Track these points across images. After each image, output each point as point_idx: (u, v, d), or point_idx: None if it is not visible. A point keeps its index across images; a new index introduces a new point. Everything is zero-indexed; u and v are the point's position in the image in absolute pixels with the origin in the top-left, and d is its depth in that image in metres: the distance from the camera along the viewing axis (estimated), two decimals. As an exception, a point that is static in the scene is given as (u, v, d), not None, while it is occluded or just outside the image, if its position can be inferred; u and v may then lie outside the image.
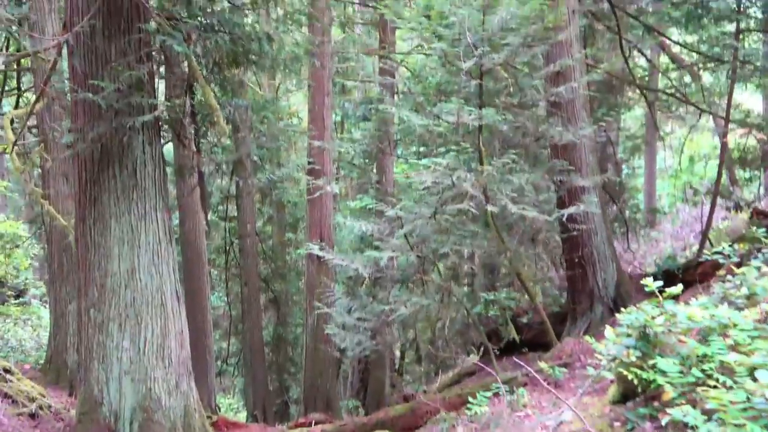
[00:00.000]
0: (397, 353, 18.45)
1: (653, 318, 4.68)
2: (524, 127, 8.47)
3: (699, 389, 3.95)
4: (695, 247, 15.54)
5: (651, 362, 4.49)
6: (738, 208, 13.05)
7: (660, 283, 5.08)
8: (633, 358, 4.56)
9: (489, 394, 6.87)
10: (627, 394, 5.25)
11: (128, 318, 5.29)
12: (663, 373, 4.39)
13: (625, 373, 4.52)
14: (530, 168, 8.90)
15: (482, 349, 12.59)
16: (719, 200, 14.83)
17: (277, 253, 20.02)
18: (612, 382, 6.25)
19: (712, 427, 3.59)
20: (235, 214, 17.86)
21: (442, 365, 14.91)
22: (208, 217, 12.85)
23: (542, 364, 7.24)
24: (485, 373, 12.62)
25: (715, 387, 3.88)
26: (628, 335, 4.78)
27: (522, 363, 11.54)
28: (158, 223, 5.50)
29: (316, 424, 11.54)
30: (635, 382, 4.49)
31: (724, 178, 18.95)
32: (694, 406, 3.88)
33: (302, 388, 14.64)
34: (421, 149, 10.22)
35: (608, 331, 4.82)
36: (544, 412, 6.21)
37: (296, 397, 19.48)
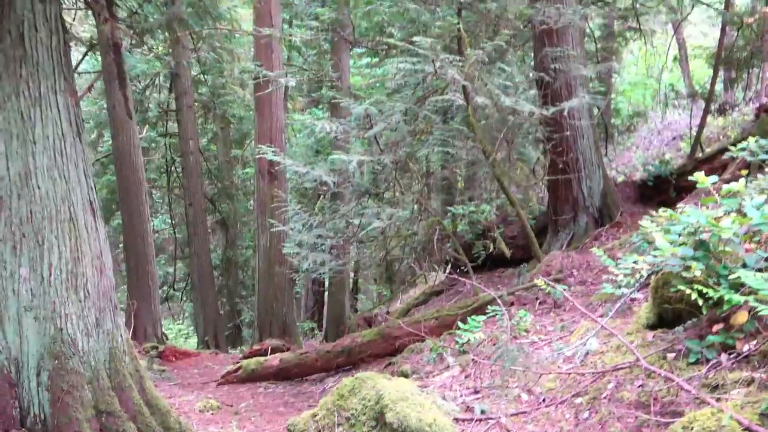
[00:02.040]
0: (351, 273, 17.53)
1: (717, 219, 3.63)
2: (511, 5, 7.17)
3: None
4: (668, 155, 14.83)
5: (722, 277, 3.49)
6: (722, 111, 12.16)
7: (712, 177, 4.04)
8: (697, 272, 3.53)
9: (483, 318, 5.81)
10: (664, 316, 4.27)
11: (24, 238, 3.92)
12: (738, 289, 3.38)
13: (688, 291, 3.49)
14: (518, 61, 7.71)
15: (449, 266, 11.70)
16: (694, 106, 14.01)
17: (223, 172, 18.62)
18: (633, 300, 5.33)
19: None
20: (176, 131, 16.17)
21: (407, 284, 14.05)
22: (135, 123, 11.15)
23: (538, 281, 6.18)
24: (454, 291, 11.76)
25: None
26: (682, 243, 3.74)
27: (495, 281, 10.70)
28: (60, 110, 4.06)
29: (272, 351, 10.56)
30: (699, 301, 3.48)
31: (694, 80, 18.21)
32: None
33: (256, 312, 13.57)
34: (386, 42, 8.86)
35: (659, 239, 3.74)
36: (553, 338, 5.24)
37: (248, 321, 18.55)
